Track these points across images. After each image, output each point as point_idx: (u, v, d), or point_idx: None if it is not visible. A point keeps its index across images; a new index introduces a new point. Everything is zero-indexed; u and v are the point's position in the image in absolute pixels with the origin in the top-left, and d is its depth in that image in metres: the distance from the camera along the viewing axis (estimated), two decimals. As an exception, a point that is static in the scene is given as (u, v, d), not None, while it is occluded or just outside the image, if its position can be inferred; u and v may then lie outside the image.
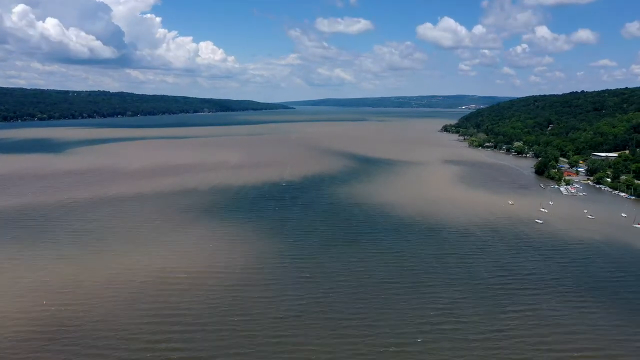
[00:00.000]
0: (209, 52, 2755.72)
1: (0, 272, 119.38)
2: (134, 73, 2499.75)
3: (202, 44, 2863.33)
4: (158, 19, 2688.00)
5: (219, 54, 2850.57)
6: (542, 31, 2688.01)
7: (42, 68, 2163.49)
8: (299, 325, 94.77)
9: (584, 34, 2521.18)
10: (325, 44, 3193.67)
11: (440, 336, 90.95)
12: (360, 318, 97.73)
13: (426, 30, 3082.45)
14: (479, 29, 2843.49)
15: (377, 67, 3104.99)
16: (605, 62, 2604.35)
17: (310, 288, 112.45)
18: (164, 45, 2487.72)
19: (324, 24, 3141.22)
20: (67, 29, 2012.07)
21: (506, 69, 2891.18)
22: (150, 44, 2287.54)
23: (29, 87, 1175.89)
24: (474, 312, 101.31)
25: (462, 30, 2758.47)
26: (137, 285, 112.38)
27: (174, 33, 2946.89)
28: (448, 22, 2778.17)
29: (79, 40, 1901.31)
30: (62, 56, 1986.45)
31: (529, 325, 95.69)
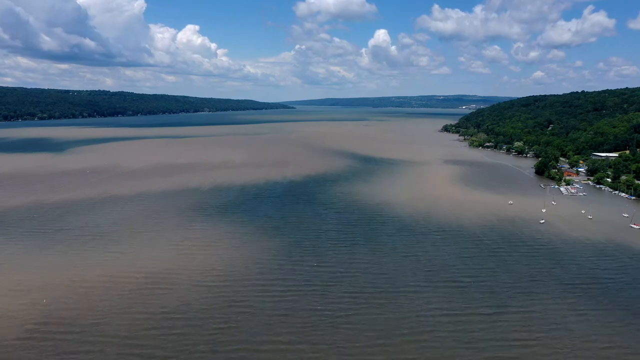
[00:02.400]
0: (196, 43, 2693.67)
1: (0, 271, 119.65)
2: (124, 70, 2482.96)
3: (188, 34, 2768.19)
4: (140, 4, 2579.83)
5: (207, 44, 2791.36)
6: (552, 22, 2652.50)
7: (15, 62, 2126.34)
8: (299, 325, 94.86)
9: (597, 18, 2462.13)
10: (323, 35, 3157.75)
11: (440, 336, 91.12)
12: (360, 317, 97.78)
13: (425, 21, 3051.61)
14: (481, 20, 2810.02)
15: (374, 64, 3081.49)
16: (615, 59, 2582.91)
17: (311, 288, 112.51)
18: (148, 36, 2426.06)
19: (302, 9, 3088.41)
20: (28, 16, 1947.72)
21: (512, 67, 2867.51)
22: (134, 36, 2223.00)
23: (12, 86, 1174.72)
24: (474, 311, 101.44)
25: (464, 23, 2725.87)
26: (137, 285, 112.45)
27: (158, 25, 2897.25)
28: (450, 12, 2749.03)
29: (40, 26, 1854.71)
30: (29, 44, 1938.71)
31: (530, 325, 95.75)
